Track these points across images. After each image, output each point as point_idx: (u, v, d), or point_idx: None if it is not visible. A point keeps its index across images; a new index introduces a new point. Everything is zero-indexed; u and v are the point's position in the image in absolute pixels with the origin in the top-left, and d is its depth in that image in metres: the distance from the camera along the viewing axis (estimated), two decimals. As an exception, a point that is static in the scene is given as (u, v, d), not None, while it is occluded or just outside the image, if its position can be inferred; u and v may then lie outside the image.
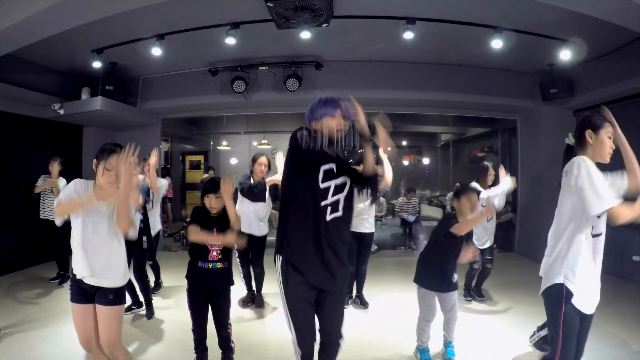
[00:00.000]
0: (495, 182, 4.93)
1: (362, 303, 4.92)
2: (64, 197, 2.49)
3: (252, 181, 4.58)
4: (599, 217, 2.18)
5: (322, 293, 2.34)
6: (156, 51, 5.84)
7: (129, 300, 4.44)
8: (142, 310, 4.58)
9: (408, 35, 5.34)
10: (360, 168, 2.46)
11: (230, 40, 5.47)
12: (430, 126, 9.99)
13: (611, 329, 3.95)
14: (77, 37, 5.45)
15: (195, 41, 6.03)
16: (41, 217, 5.65)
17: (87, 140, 7.96)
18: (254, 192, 4.54)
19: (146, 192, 4.63)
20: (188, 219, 3.38)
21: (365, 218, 4.73)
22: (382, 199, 8.22)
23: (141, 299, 4.58)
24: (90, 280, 2.52)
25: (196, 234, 3.06)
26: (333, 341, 2.43)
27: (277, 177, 4.53)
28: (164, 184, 5.29)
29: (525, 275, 6.10)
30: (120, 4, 4.38)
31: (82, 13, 4.41)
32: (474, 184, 4.89)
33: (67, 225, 2.61)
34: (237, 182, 4.55)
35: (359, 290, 4.96)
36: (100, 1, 4.22)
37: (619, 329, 3.97)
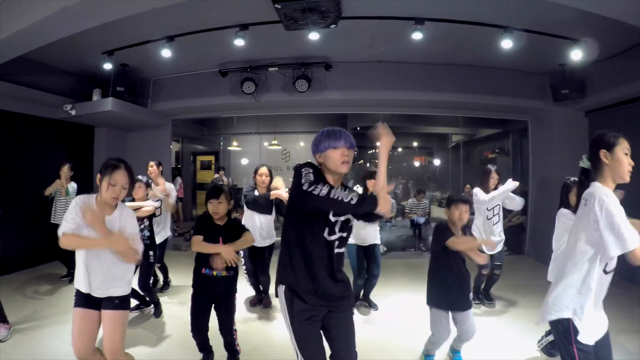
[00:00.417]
0: (499, 185, 4.91)
1: (370, 305, 4.93)
2: (69, 228, 2.47)
3: (256, 193, 4.65)
4: None
5: (328, 316, 2.30)
6: (166, 53, 5.90)
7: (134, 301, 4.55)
8: (150, 309, 4.65)
9: (417, 35, 5.32)
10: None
11: (239, 42, 5.49)
12: (441, 127, 9.93)
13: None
14: (88, 39, 5.50)
15: (205, 42, 6.07)
16: (52, 221, 5.69)
17: (98, 140, 8.06)
18: (258, 204, 4.62)
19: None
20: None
21: (370, 231, 4.77)
22: (392, 200, 8.21)
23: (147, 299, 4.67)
24: (95, 293, 2.55)
25: (199, 245, 3.11)
26: None
27: (281, 193, 4.60)
28: (169, 187, 5.42)
29: (535, 279, 6.01)
30: (131, 6, 4.40)
31: (94, 15, 4.44)
32: (476, 190, 4.89)
33: None
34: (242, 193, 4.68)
35: (366, 295, 4.97)
36: (112, 4, 4.25)
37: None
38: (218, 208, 3.19)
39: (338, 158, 2.24)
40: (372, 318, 4.65)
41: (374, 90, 7.03)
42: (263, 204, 4.64)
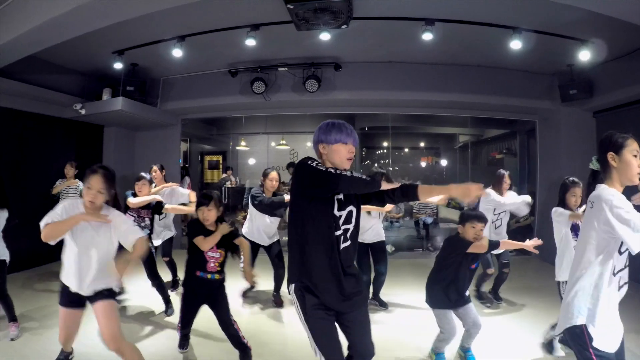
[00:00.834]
0: (510, 189, 5.02)
1: (381, 304, 4.94)
2: (50, 220, 2.56)
3: (264, 195, 4.72)
4: (621, 253, 2.03)
5: (343, 314, 2.31)
6: (177, 52, 5.92)
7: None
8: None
9: (427, 36, 5.34)
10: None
11: (251, 42, 5.52)
12: (448, 127, 9.94)
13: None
14: (98, 39, 5.51)
15: (215, 42, 6.11)
16: None
17: (107, 139, 8.10)
18: (274, 207, 4.71)
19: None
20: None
21: (375, 229, 4.81)
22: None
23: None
24: (85, 292, 2.67)
25: (204, 242, 3.24)
26: (366, 356, 2.39)
27: None
28: (183, 192, 5.51)
29: (543, 280, 6.00)
30: (144, 6, 4.44)
31: (106, 15, 4.47)
32: (490, 190, 4.91)
33: None
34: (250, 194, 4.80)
35: (376, 294, 4.98)
36: (124, 3, 4.29)
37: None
38: (208, 215, 3.29)
39: (345, 154, 2.26)
40: (382, 317, 4.66)
41: (383, 90, 7.07)
42: (277, 207, 4.73)
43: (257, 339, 3.64)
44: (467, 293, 3.39)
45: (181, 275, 5.64)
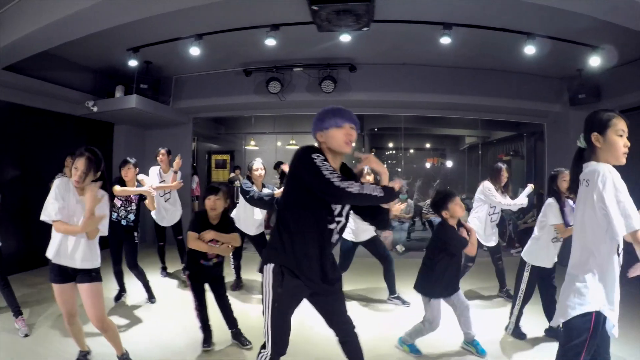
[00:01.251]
0: (508, 183, 5.11)
1: (403, 302, 4.98)
2: (54, 211, 2.82)
3: (254, 188, 4.84)
4: None
5: (320, 298, 2.37)
6: (194, 51, 5.88)
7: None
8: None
9: (445, 40, 5.41)
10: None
11: (271, 42, 5.53)
12: (455, 129, 10.02)
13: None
14: (113, 36, 5.46)
15: (231, 42, 6.11)
16: None
17: (117, 137, 8.09)
18: (263, 202, 4.76)
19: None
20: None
21: (365, 226, 4.83)
22: (410, 201, 8.29)
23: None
24: (75, 264, 2.89)
25: (194, 242, 3.46)
26: (349, 334, 2.46)
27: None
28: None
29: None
30: (168, 3, 4.41)
31: (128, 12, 4.47)
32: (488, 183, 5.02)
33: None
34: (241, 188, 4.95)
35: (393, 291, 5.03)
36: (145, 2, 4.31)
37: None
38: (216, 204, 3.51)
39: (342, 137, 2.20)
40: (394, 314, 4.75)
41: (397, 92, 7.14)
42: (267, 202, 4.77)
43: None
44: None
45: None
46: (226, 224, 3.63)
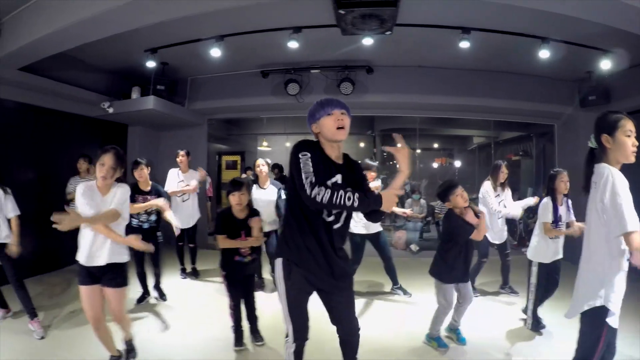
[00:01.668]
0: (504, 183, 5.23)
1: (405, 293, 5.23)
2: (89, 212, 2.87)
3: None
4: None
5: (326, 293, 2.42)
6: (215, 52, 5.90)
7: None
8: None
9: (464, 44, 5.51)
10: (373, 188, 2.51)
11: (293, 44, 5.58)
12: (464, 129, 10.12)
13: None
14: (131, 37, 5.41)
15: (250, 43, 6.13)
16: None
17: (132, 138, 8.08)
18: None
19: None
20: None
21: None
22: (422, 201, 8.38)
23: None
24: (99, 262, 2.95)
25: (225, 242, 3.55)
26: (352, 334, 2.50)
27: None
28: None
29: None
30: (194, 5, 4.38)
31: (153, 12, 4.42)
32: (487, 181, 5.19)
33: None
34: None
35: (395, 282, 5.27)
36: (174, 2, 4.25)
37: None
38: (241, 199, 3.57)
39: (332, 124, 2.24)
40: (405, 309, 4.85)
41: (412, 93, 7.22)
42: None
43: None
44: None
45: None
46: (253, 215, 3.69)
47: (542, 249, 3.96)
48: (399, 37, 5.76)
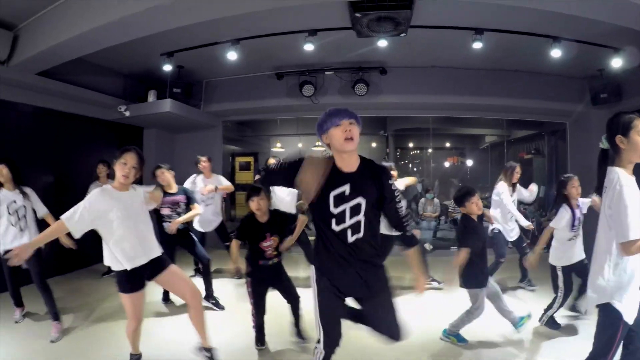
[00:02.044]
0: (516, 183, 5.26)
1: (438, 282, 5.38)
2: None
3: None
4: None
5: (363, 300, 2.43)
6: (232, 55, 5.98)
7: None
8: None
9: (477, 45, 5.57)
10: None
11: (309, 47, 5.65)
12: (475, 128, 10.13)
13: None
14: (148, 41, 5.40)
15: (265, 46, 6.21)
16: None
17: (147, 141, 8.19)
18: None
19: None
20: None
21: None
22: (436, 200, 8.44)
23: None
24: (141, 261, 2.96)
25: (235, 247, 3.60)
26: (393, 340, 2.48)
27: None
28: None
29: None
30: (216, 9, 4.44)
31: (176, 18, 4.48)
32: (501, 182, 5.20)
33: None
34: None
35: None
36: (199, 5, 4.27)
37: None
38: (260, 204, 3.55)
39: (341, 135, 2.21)
40: (419, 305, 4.81)
41: (425, 94, 7.30)
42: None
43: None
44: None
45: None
46: (277, 217, 3.70)
47: (560, 252, 3.98)
48: (412, 39, 5.81)
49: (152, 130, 8.17)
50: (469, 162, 10.88)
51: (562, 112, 7.80)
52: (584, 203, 4.11)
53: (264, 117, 8.74)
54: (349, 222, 2.26)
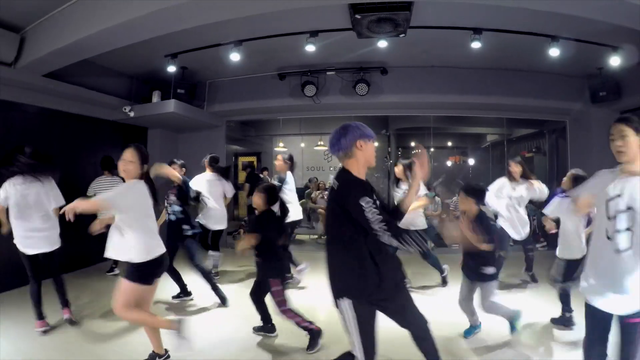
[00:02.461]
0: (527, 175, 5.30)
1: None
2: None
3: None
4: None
5: (384, 301, 2.41)
6: (235, 56, 6.04)
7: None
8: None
9: (476, 45, 5.62)
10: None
11: (310, 48, 5.73)
12: (476, 127, 10.19)
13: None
14: (153, 42, 5.42)
15: (268, 47, 6.30)
16: None
17: (152, 141, 8.26)
18: None
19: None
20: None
21: (415, 217, 5.23)
22: (437, 199, 8.47)
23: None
24: (159, 251, 3.13)
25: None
26: (422, 329, 2.54)
27: None
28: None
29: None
30: (220, 12, 4.53)
31: (182, 20, 4.54)
32: (504, 179, 5.30)
33: None
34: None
35: (442, 271, 5.52)
36: (214, 4, 4.33)
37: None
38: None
39: (373, 151, 2.44)
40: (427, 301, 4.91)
41: (426, 93, 7.38)
42: None
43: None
44: None
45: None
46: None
47: (566, 245, 3.95)
48: (412, 39, 5.87)
49: (157, 130, 8.26)
50: (471, 161, 10.92)
51: (562, 111, 7.85)
52: None
53: (266, 117, 8.84)
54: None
